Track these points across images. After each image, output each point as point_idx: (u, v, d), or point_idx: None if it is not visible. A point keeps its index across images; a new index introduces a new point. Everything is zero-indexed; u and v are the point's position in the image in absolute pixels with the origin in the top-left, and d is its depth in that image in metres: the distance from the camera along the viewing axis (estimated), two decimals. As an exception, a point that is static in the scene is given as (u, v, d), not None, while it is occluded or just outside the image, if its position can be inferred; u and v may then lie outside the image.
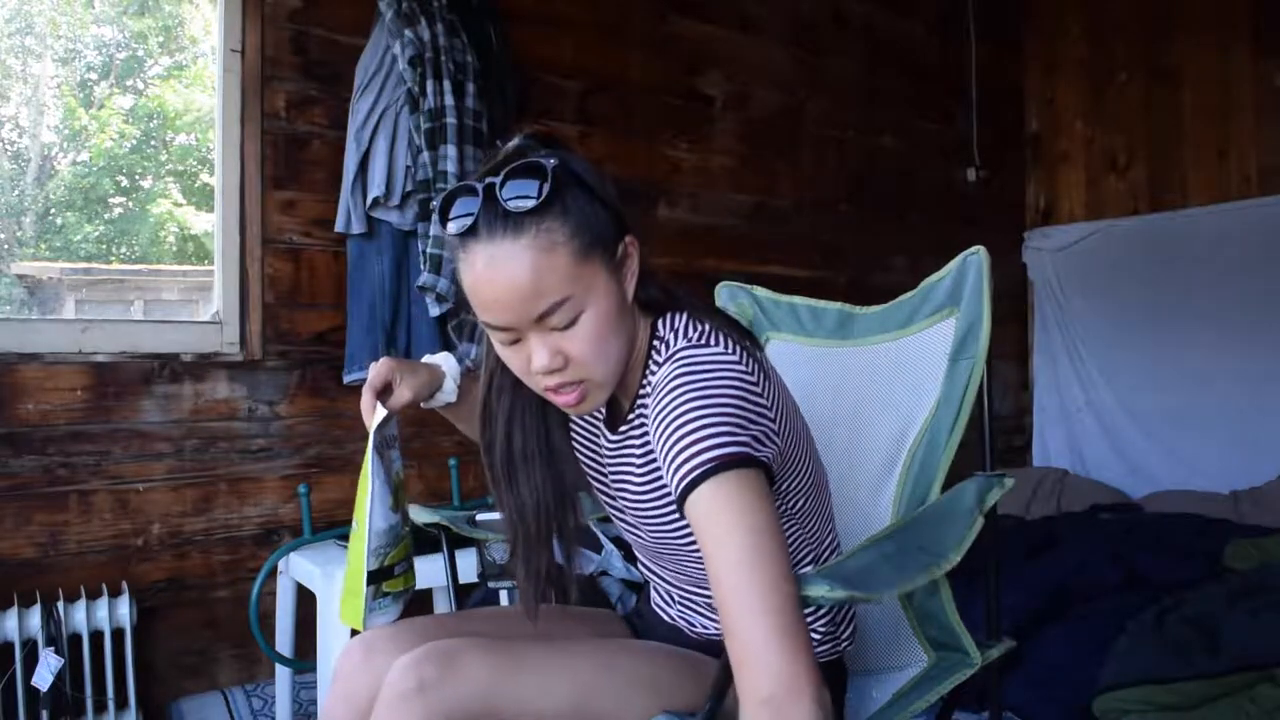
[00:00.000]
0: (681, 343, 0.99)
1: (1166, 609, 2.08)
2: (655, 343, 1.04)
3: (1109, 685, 1.88)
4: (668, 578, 1.19)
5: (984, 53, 3.95)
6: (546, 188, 0.90)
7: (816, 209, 3.47)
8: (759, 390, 0.97)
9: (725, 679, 0.89)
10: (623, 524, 1.18)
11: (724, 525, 0.87)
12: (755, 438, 0.93)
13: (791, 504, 1.10)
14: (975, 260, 1.27)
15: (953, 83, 3.90)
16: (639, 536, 1.16)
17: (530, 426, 1.08)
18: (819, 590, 0.85)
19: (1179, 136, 3.71)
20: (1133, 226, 3.79)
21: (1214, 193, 3.60)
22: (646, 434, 1.03)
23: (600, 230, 0.95)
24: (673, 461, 0.91)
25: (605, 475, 1.14)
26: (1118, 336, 3.78)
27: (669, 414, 0.93)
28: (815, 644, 1.12)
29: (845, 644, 1.18)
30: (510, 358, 0.99)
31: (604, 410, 1.12)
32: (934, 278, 1.33)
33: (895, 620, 1.29)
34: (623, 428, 1.08)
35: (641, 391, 1.04)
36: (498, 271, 0.91)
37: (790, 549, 1.09)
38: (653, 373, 1.02)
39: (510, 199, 0.91)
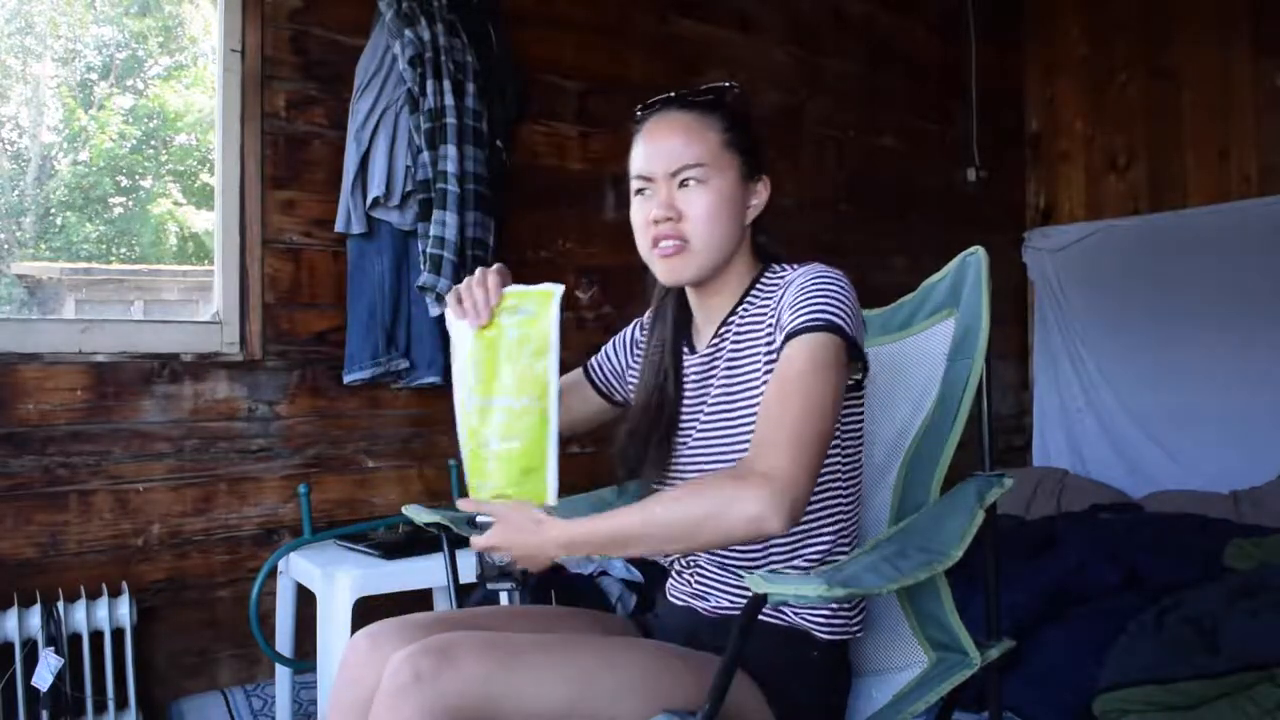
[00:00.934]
0: (816, 263, 1.16)
1: (1166, 609, 2.07)
2: (768, 273, 1.22)
3: (1109, 685, 1.87)
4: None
5: (984, 53, 3.95)
6: (717, 94, 1.19)
7: (816, 209, 3.47)
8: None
9: (725, 679, 0.89)
10: (678, 463, 1.23)
11: (808, 367, 1.03)
12: (862, 343, 1.11)
13: (844, 441, 1.17)
14: (974, 260, 1.27)
15: (953, 83, 3.90)
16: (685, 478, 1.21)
17: (667, 339, 1.28)
18: (817, 589, 0.85)
19: (1179, 136, 3.71)
20: (1133, 226, 3.79)
21: (1214, 193, 3.59)
22: (739, 344, 1.18)
23: (745, 146, 1.19)
24: (798, 309, 1.08)
25: (683, 398, 1.25)
26: (1118, 336, 3.78)
27: (807, 282, 1.11)
28: (827, 619, 1.17)
29: (856, 630, 1.20)
30: (638, 212, 1.19)
31: (685, 341, 1.28)
32: (933, 278, 1.34)
33: (895, 621, 1.29)
34: (714, 341, 1.23)
35: (748, 300, 1.21)
36: (661, 127, 1.18)
37: (826, 501, 1.17)
38: (757, 294, 1.20)
39: (688, 94, 1.19)
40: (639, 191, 1.19)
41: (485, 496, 1.13)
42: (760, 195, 1.21)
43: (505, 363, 1.12)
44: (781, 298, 1.14)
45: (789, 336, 1.06)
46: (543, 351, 1.11)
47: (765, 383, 1.13)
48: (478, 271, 1.17)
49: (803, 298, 1.09)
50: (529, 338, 1.12)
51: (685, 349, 1.28)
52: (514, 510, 1.08)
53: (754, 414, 1.13)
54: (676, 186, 1.15)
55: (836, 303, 1.08)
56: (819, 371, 1.03)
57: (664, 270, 1.19)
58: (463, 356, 1.15)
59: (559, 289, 1.14)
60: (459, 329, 1.16)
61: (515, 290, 1.15)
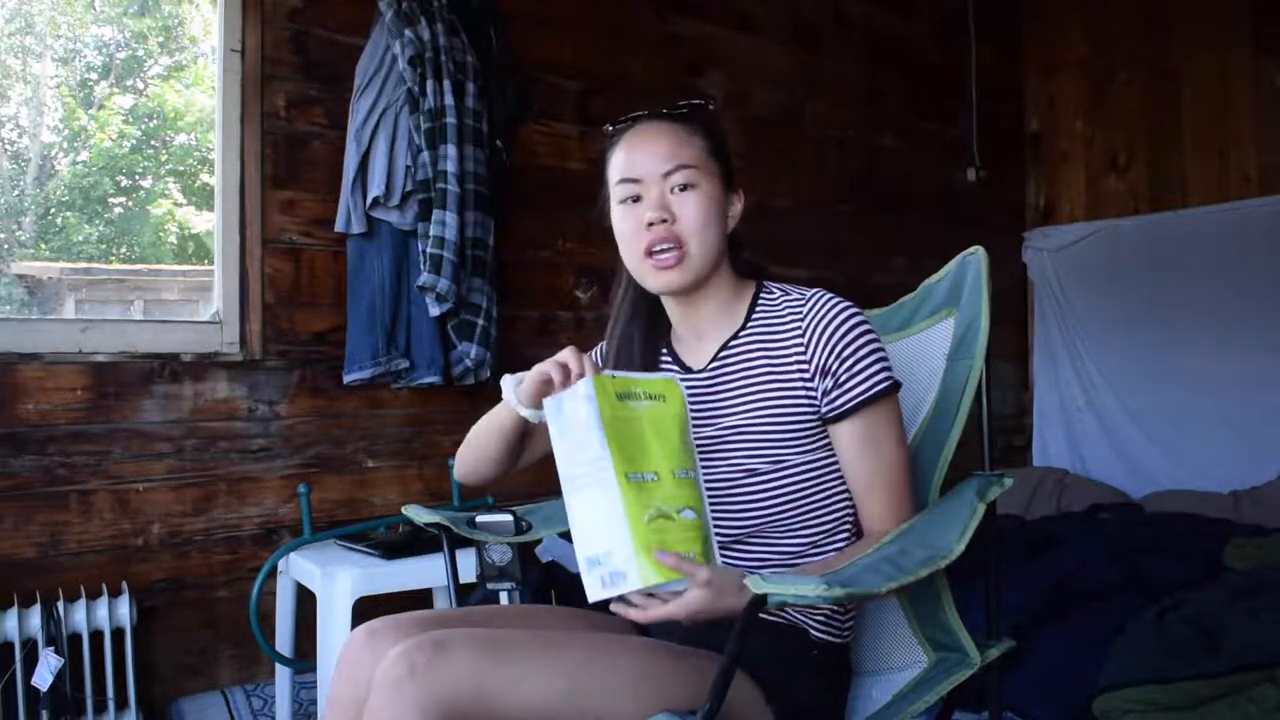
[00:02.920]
0: (818, 289, 1.19)
1: (1166, 609, 2.07)
2: (764, 294, 1.23)
3: (1109, 685, 1.87)
4: None
5: (984, 53, 3.95)
6: (697, 108, 1.21)
7: (816, 209, 3.47)
8: None
9: (726, 678, 0.89)
10: None
11: (891, 429, 1.15)
12: None
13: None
14: (974, 260, 1.27)
15: (953, 83, 3.90)
16: None
17: (638, 339, 1.28)
18: (816, 589, 0.85)
19: (1179, 136, 3.71)
20: (1133, 226, 3.79)
21: (1214, 193, 3.59)
22: (754, 359, 1.18)
23: (723, 156, 1.21)
24: (857, 369, 1.13)
25: None
26: (1118, 336, 3.78)
27: (845, 331, 1.14)
28: (824, 621, 1.19)
29: (845, 635, 1.21)
30: (627, 219, 1.17)
31: (678, 362, 1.26)
32: (933, 278, 1.34)
33: (895, 621, 1.29)
34: (723, 354, 1.21)
35: (753, 320, 1.21)
36: (647, 134, 1.18)
37: (836, 510, 1.18)
38: (761, 315, 1.21)
39: (667, 109, 1.21)
40: (624, 200, 1.18)
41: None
42: (737, 207, 1.23)
43: (654, 439, 1.06)
44: (815, 337, 1.14)
45: (864, 403, 1.12)
46: (684, 428, 1.09)
47: (781, 402, 1.15)
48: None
49: (855, 355, 1.13)
50: (664, 416, 1.08)
51: (677, 367, 1.25)
52: (720, 574, 0.99)
53: (767, 433, 1.15)
54: (669, 190, 1.15)
55: (879, 350, 1.15)
56: (897, 429, 1.15)
57: (660, 282, 1.17)
58: (587, 433, 1.03)
59: (679, 380, 1.11)
60: (572, 405, 1.05)
61: (626, 377, 1.09)
